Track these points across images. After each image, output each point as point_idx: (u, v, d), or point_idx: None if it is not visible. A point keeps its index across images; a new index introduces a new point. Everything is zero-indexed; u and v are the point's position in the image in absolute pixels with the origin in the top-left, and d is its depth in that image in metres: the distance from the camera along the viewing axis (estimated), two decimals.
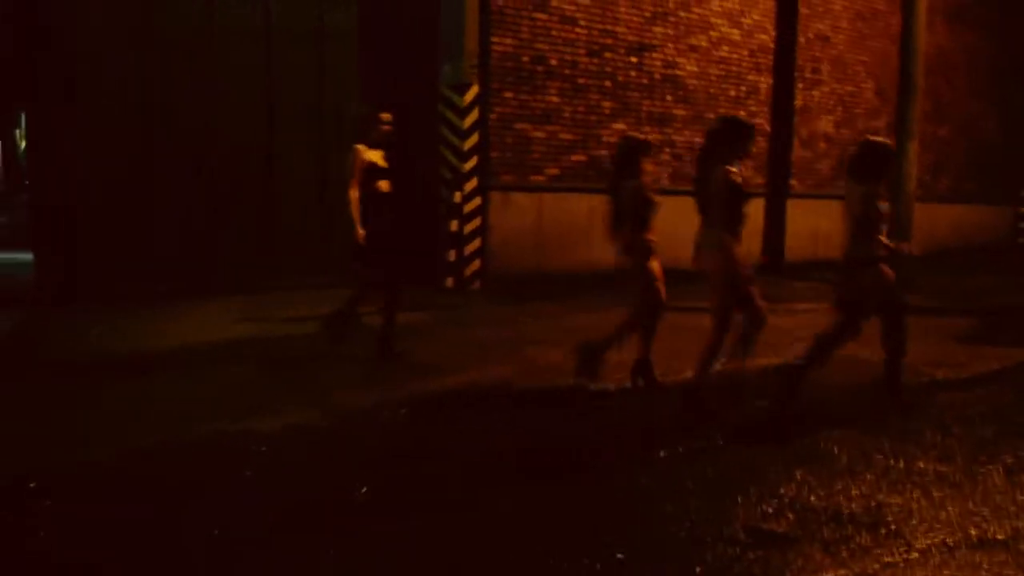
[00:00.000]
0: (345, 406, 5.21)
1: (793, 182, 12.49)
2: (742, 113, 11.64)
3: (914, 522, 3.60)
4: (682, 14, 10.93)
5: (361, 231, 6.07)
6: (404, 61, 9.71)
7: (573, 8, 9.84)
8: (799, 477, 4.10)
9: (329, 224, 9.82)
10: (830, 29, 12.76)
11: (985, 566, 3.21)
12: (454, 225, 9.31)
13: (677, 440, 4.67)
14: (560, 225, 10.09)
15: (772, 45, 11.96)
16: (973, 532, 3.51)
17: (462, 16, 8.95)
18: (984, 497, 3.91)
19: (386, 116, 6.30)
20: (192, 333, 7.33)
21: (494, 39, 9.22)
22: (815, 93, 12.69)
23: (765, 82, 11.98)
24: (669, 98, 10.99)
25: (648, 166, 5.82)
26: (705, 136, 5.42)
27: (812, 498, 3.84)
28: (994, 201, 16.33)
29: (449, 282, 9.47)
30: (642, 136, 6.22)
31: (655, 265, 5.77)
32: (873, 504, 3.79)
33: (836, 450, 4.55)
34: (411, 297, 8.77)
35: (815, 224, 12.85)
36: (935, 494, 3.92)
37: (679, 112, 11.15)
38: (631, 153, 5.73)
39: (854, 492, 3.93)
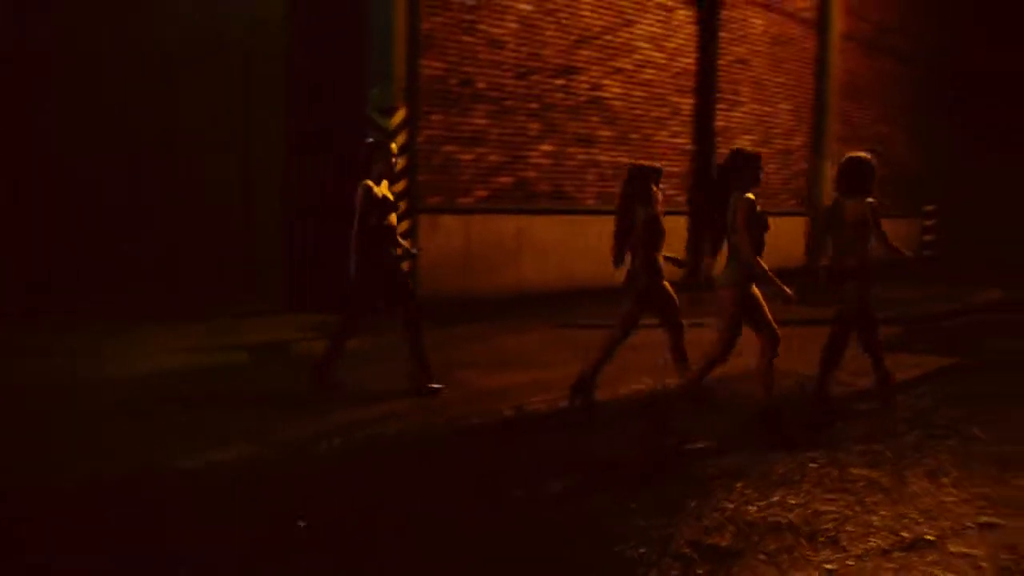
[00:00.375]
0: (281, 438, 5.08)
1: None
2: (676, 141, 11.93)
3: (849, 528, 3.71)
4: (607, 38, 11.14)
5: (353, 267, 5.86)
6: (331, 84, 9.63)
7: (501, 31, 9.93)
8: (738, 489, 4.19)
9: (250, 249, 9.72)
10: (749, 53, 13.17)
11: (919, 567, 3.32)
12: None
13: (614, 458, 4.72)
14: (489, 247, 10.12)
15: (694, 68, 12.27)
16: (905, 535, 3.64)
17: (390, 40, 8.93)
18: (912, 500, 4.07)
19: (394, 147, 6.16)
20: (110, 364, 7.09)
21: (422, 62, 9.22)
22: (735, 114, 13.07)
23: (687, 103, 12.28)
24: (595, 119, 11.16)
25: (659, 193, 5.92)
26: (719, 170, 5.59)
27: (752, 510, 3.93)
28: (903, 215, 17.03)
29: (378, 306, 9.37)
30: (654, 163, 6.32)
31: (667, 284, 5.90)
32: (810, 513, 3.89)
33: (771, 462, 4.65)
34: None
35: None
36: (867, 500, 4.06)
37: (604, 133, 11.33)
38: (643, 180, 5.85)
39: (791, 502, 4.03)
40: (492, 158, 10.10)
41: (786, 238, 13.76)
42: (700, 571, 3.28)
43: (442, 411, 5.67)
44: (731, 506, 3.97)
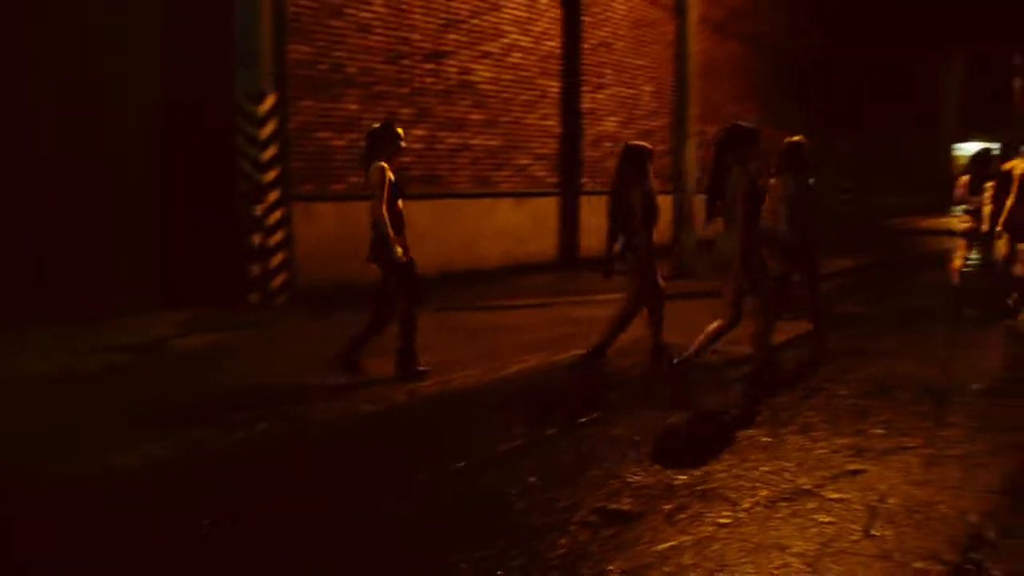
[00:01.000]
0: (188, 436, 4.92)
1: (584, 180, 13.16)
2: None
3: (737, 484, 3.99)
4: (474, 22, 11.22)
5: (400, 250, 5.77)
6: (203, 66, 9.23)
7: (369, 15, 9.83)
8: (633, 457, 4.40)
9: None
10: (611, 36, 13.57)
11: (801, 514, 3.62)
12: (256, 239, 9.02)
13: (511, 435, 4.85)
14: (364, 233, 10.03)
15: (560, 51, 12.55)
16: (786, 486, 3.95)
17: (256, 22, 8.66)
18: (789, 454, 4.40)
19: (401, 131, 6.04)
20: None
21: (290, 46, 9.02)
22: (600, 96, 13.44)
23: (555, 86, 12.55)
24: (465, 103, 11.24)
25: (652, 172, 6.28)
26: (715, 147, 5.79)
27: (647, 474, 4.15)
28: None
29: (254, 298, 9.14)
30: (645, 144, 6.58)
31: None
32: (700, 473, 4.15)
33: (661, 428, 4.91)
34: (215, 316, 8.46)
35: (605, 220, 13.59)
36: (751, 457, 4.36)
37: (475, 117, 11.43)
38: (638, 159, 6.13)
39: (683, 465, 4.27)
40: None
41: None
42: (606, 535, 3.46)
43: (336, 399, 5.64)
44: (628, 472, 4.18)
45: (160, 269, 9.17)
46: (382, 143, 5.83)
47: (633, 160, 6.17)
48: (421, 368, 6.05)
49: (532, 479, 4.14)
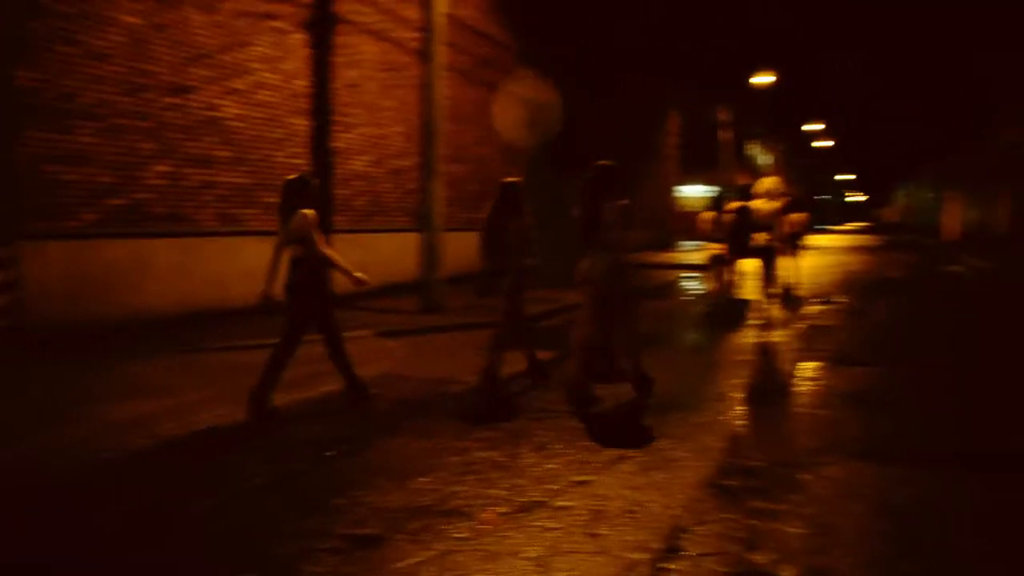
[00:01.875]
0: None
1: (336, 218, 13.28)
2: (510, 177, 12.12)
3: (477, 502, 4.34)
4: (222, 57, 11.01)
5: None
6: None
7: (104, 44, 9.36)
8: (379, 484, 4.63)
9: None
10: (360, 78, 13.84)
11: (532, 522, 4.04)
12: None
13: (258, 472, 4.90)
14: (102, 273, 9.50)
15: (310, 90, 12.64)
16: (521, 500, 4.36)
17: None
18: (525, 471, 4.84)
19: (315, 181, 6.62)
20: None
21: (17, 72, 8.42)
22: (350, 136, 13.65)
23: (304, 125, 12.59)
24: (212, 139, 10.98)
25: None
26: (589, 181, 6.45)
27: (393, 499, 4.39)
28: None
29: None
30: (518, 180, 7.19)
31: None
32: (443, 495, 4.46)
33: (406, 455, 5.18)
34: None
35: (358, 257, 13.75)
36: (490, 476, 4.74)
37: (222, 154, 11.19)
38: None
39: (426, 488, 4.57)
40: (102, 179, 9.50)
41: (399, 253, 14.69)
42: (355, 558, 3.66)
43: (73, 448, 5.38)
44: (374, 498, 4.40)
45: None
46: (302, 193, 6.38)
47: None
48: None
49: (280, 512, 4.25)
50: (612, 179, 6.52)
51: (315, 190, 6.49)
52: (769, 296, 10.30)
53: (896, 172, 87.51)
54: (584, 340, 6.45)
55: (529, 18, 20.03)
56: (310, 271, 6.33)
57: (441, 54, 11.84)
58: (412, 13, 14.78)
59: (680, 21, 34.06)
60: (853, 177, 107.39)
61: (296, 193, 6.38)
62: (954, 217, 34.45)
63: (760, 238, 10.13)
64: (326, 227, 12.83)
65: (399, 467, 4.95)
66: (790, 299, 12.99)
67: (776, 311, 11.09)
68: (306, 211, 6.28)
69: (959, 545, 3.78)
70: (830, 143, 73.75)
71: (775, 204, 10.14)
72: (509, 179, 7.40)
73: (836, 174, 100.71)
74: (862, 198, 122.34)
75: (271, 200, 11.82)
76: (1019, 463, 4.97)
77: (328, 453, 5.26)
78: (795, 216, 13.94)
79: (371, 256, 14.08)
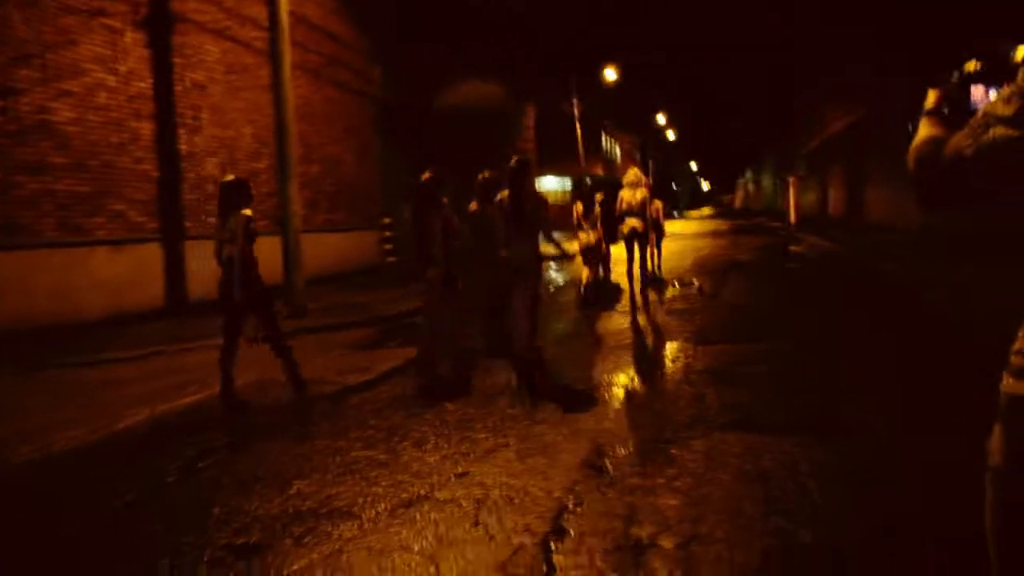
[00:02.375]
0: None
1: (188, 224, 12.74)
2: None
3: (359, 500, 4.28)
4: (50, 57, 10.32)
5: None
6: None
7: None
8: (258, 490, 4.49)
9: None
10: (206, 79, 13.29)
11: (416, 517, 4.02)
12: None
13: (127, 489, 4.66)
14: None
15: (151, 92, 12.05)
16: (404, 495, 4.33)
17: None
18: (405, 467, 4.81)
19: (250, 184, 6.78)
20: None
21: None
22: (198, 139, 13.10)
23: (148, 128, 11.99)
24: (45, 145, 10.30)
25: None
26: (510, 173, 6.78)
27: (274, 505, 4.27)
28: (363, 227, 18.77)
29: None
30: (433, 176, 7.24)
31: None
32: (324, 497, 4.37)
33: (283, 460, 5.05)
34: None
35: (214, 264, 13.25)
36: (370, 475, 4.69)
37: (58, 160, 10.51)
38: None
39: (307, 491, 4.47)
40: None
41: (263, 258, 14.24)
42: (239, 568, 3.54)
43: None
44: (254, 505, 4.27)
45: None
46: (240, 194, 6.47)
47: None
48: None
49: (157, 527, 4.06)
50: (528, 174, 6.88)
51: (250, 190, 6.63)
52: (642, 281, 10.72)
53: (740, 159, 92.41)
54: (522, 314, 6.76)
55: (377, 17, 19.84)
56: (243, 268, 6.42)
57: (287, 53, 11.54)
58: (256, 11, 14.35)
59: (530, 15, 34.67)
60: (697, 166, 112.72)
61: (236, 194, 6.49)
62: (794, 201, 36.68)
63: (629, 225, 10.75)
64: (179, 233, 12.36)
65: (277, 472, 4.82)
66: (655, 282, 13.52)
67: (643, 295, 11.54)
68: (245, 211, 6.44)
69: (815, 502, 4.03)
70: (674, 135, 77.00)
71: (641, 193, 10.75)
72: (424, 178, 7.32)
73: (688, 162, 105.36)
74: (707, 187, 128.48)
75: (119, 208, 11.29)
76: (856, 427, 5.34)
77: (202, 463, 5.05)
78: (655, 204, 14.53)
79: None
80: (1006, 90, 1.64)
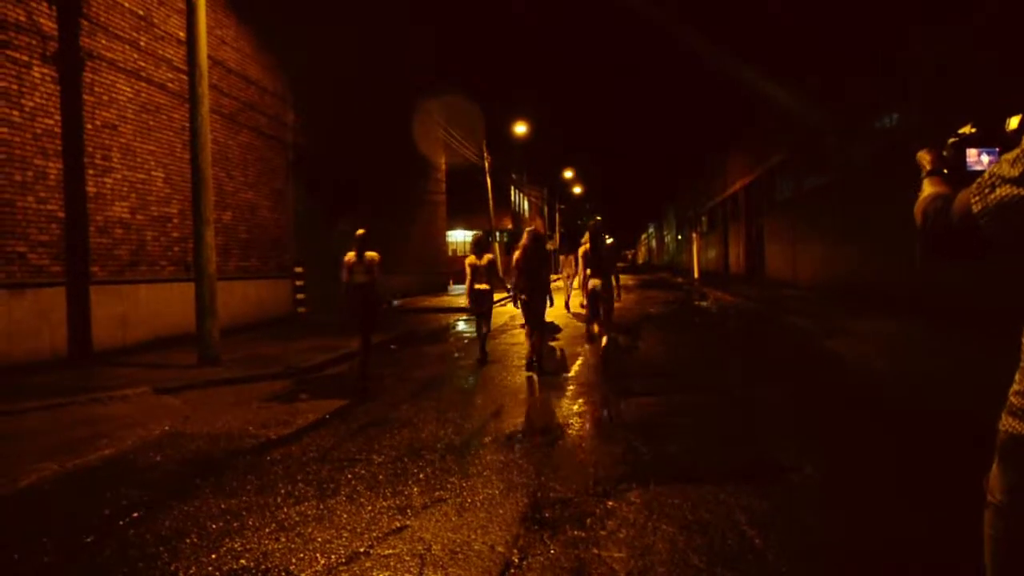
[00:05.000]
0: None
1: (95, 268, 12.22)
2: (31, 198, 11.01)
3: (297, 558, 4.11)
4: None
5: None
6: None
7: None
8: (185, 552, 4.27)
9: None
10: (117, 118, 12.84)
11: (358, 574, 3.88)
12: None
13: (41, 551, 4.36)
14: None
15: (59, 130, 11.59)
16: (343, 552, 4.19)
17: None
18: (340, 523, 4.66)
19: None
20: None
21: None
22: (107, 180, 12.61)
23: (55, 167, 11.50)
24: None
25: None
26: (591, 229, 10.36)
27: (205, 566, 4.06)
28: (276, 276, 18.37)
29: None
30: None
31: None
32: (259, 554, 4.19)
33: (210, 517, 4.82)
34: None
35: (120, 310, 12.74)
36: (305, 531, 4.52)
37: None
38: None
39: (239, 549, 4.27)
40: None
41: (165, 305, 13.78)
42: None
43: None
44: (180, 568, 4.05)
45: None
46: (370, 239, 8.68)
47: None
48: None
49: None
50: (600, 231, 10.61)
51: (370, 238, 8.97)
52: (590, 333, 12.12)
53: (643, 214, 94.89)
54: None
55: (293, 64, 19.71)
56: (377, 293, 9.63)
57: (205, 96, 11.32)
58: (171, 52, 14.07)
59: (443, 68, 35.13)
60: (600, 220, 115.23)
61: (369, 239, 9.21)
62: (697, 257, 37.92)
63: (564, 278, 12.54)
64: (85, 278, 11.82)
65: (205, 531, 4.59)
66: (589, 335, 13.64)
67: (564, 347, 11.60)
68: (374, 253, 9.62)
69: (757, 550, 4.10)
70: (580, 189, 78.71)
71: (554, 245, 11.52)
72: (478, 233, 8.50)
73: (594, 217, 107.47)
74: (610, 241, 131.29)
75: (20, 249, 10.73)
76: (785, 474, 5.49)
77: (121, 522, 4.78)
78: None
79: (135, 308, 13.11)
80: (1012, 153, 1.77)
